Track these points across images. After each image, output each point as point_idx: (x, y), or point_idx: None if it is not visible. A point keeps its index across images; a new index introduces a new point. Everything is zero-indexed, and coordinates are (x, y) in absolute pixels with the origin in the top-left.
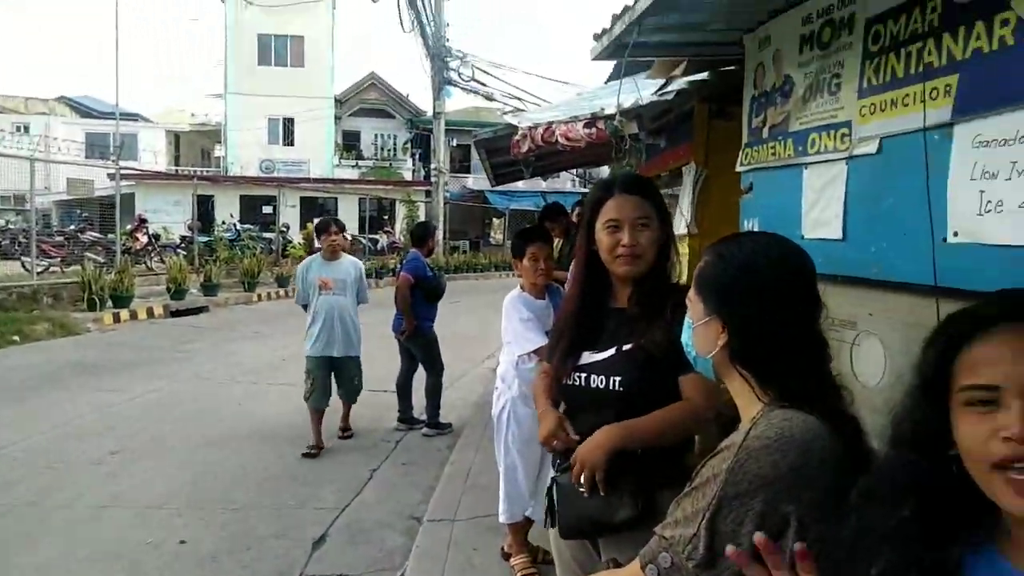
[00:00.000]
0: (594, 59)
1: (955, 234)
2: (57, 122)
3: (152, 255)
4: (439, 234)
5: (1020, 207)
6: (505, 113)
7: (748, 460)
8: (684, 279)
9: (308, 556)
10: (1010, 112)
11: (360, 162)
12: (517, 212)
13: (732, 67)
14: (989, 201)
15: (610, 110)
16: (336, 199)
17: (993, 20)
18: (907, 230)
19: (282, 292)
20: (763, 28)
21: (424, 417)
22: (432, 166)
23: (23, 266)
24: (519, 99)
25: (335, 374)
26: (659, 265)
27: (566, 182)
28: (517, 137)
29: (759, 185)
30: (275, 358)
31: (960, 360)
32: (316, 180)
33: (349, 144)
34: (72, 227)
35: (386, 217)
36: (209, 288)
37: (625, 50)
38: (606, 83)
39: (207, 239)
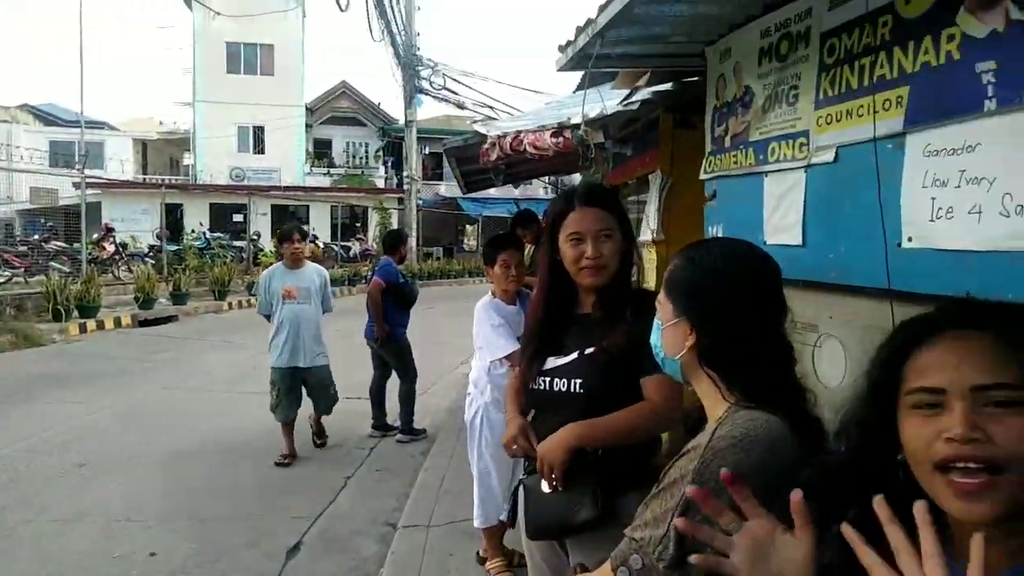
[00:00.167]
0: (559, 70)
1: (909, 239)
2: (20, 130)
3: (119, 264)
4: (412, 241)
5: (969, 213)
6: (475, 122)
7: (714, 460)
8: (652, 285)
9: (282, 566)
10: (958, 123)
11: (332, 170)
12: (490, 219)
13: (695, 78)
14: (940, 208)
15: (576, 120)
16: (308, 207)
17: (940, 35)
18: (864, 236)
19: (253, 300)
20: (723, 41)
21: (398, 424)
22: (404, 173)
23: None
24: (491, 107)
25: (307, 387)
26: (622, 273)
27: (538, 189)
28: (486, 146)
29: (722, 192)
30: (247, 367)
31: (909, 365)
32: (287, 188)
33: (320, 152)
34: (36, 237)
35: (358, 224)
36: (178, 297)
37: (589, 61)
38: (574, 93)
39: (176, 248)
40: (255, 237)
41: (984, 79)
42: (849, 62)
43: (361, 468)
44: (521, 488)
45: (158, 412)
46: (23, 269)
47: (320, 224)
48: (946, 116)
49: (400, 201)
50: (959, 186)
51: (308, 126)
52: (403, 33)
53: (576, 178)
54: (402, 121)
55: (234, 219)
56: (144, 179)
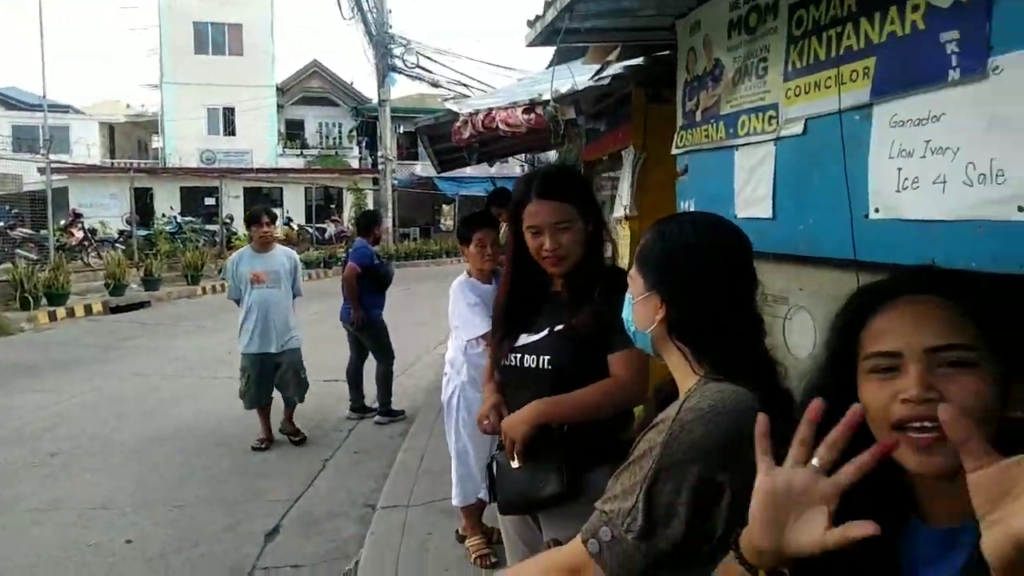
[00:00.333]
0: (528, 45)
1: (876, 210)
2: None
3: (89, 250)
4: (388, 222)
5: (934, 183)
6: (447, 100)
7: (682, 432)
8: (626, 261)
9: (260, 549)
10: (923, 93)
11: (305, 151)
12: (467, 198)
13: (666, 52)
14: (906, 178)
15: (548, 96)
16: (281, 189)
17: (906, 5)
18: (832, 208)
19: (226, 285)
20: (693, 14)
21: (376, 406)
22: (379, 153)
23: None
24: (465, 85)
25: (278, 372)
26: (587, 258)
27: (514, 167)
28: (458, 124)
29: (694, 167)
30: (221, 352)
31: (865, 331)
32: (260, 170)
33: (293, 133)
34: (1, 224)
35: (333, 206)
36: (150, 283)
37: (558, 36)
38: (547, 69)
39: (147, 233)
40: (228, 220)
41: (948, 49)
42: (817, 33)
43: (339, 451)
44: (493, 463)
45: (131, 399)
46: None
47: (294, 206)
48: (912, 86)
49: (375, 182)
50: (924, 156)
51: (280, 107)
52: (374, 11)
53: (552, 156)
54: (375, 100)
55: (206, 202)
56: (112, 163)
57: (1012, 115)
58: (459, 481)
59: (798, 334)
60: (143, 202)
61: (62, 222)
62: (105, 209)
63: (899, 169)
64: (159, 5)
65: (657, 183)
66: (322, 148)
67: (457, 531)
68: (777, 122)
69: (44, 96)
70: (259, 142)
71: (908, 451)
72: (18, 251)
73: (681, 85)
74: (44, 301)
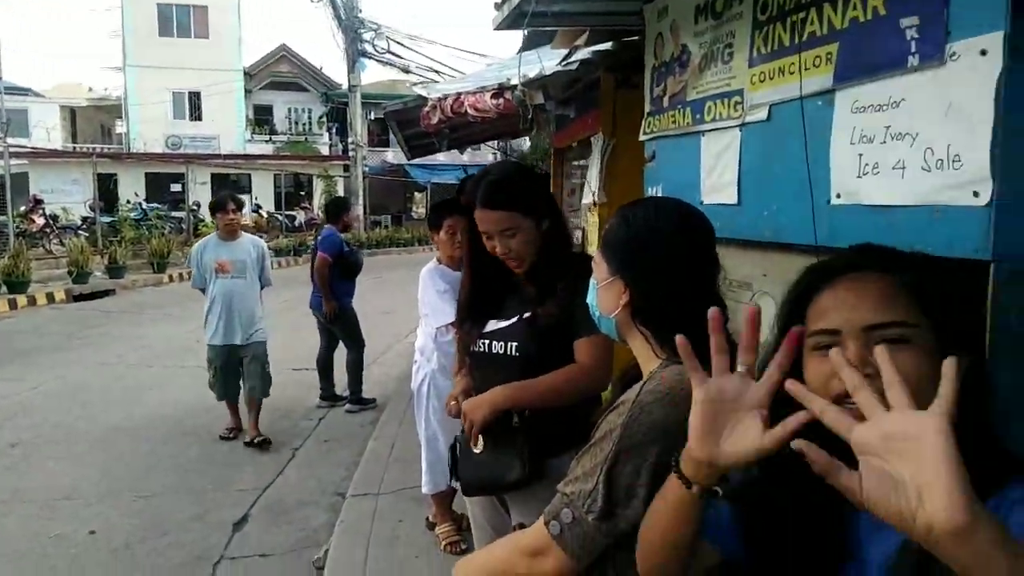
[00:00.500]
0: (495, 29)
1: (838, 196)
2: None
3: (51, 237)
4: (359, 209)
5: (894, 169)
6: (415, 85)
7: (642, 413)
8: (594, 248)
9: (228, 539)
10: (884, 79)
11: (274, 137)
12: (439, 186)
13: (635, 37)
14: (867, 164)
15: (517, 80)
16: (249, 175)
17: None
18: (796, 193)
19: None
20: None
21: (347, 394)
22: (349, 140)
23: None
24: (437, 72)
25: (242, 364)
26: (544, 255)
27: (487, 155)
28: (427, 108)
29: (661, 153)
30: (189, 340)
31: (810, 309)
32: (227, 156)
33: (261, 118)
34: None
35: (303, 193)
36: (115, 270)
37: (525, 19)
38: (517, 54)
39: (111, 219)
40: (195, 207)
41: (908, 35)
42: (781, 19)
43: (309, 439)
44: (456, 444)
45: (96, 388)
46: None
47: (263, 193)
48: (873, 72)
49: (346, 168)
50: (885, 142)
51: (247, 91)
52: None
53: (525, 142)
54: (346, 86)
55: (172, 189)
56: (74, 148)
57: (967, 101)
58: (429, 468)
59: (762, 319)
60: (107, 188)
61: (22, 208)
62: (67, 195)
63: (860, 155)
64: None
65: (626, 169)
66: (291, 134)
67: (427, 518)
68: (742, 108)
69: (0, 78)
70: (226, 127)
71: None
72: None
73: (649, 71)
74: (4, 289)
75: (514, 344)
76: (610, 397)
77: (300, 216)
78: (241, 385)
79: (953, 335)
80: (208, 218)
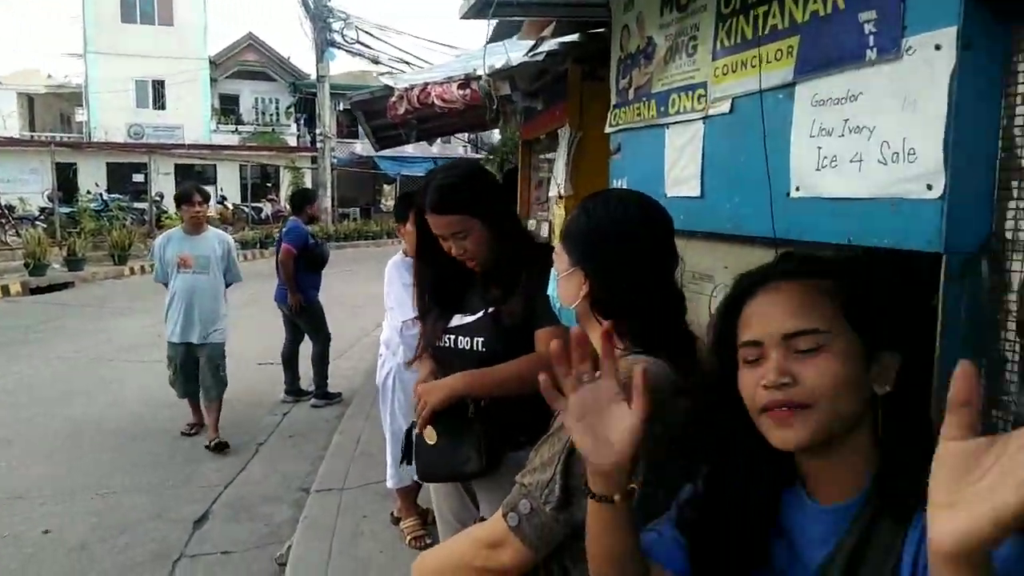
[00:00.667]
0: (462, 17)
1: (797, 189)
2: None
3: (6, 228)
4: (327, 201)
5: (851, 162)
6: (381, 75)
7: None
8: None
9: (188, 536)
10: (842, 72)
11: (240, 127)
12: (409, 178)
13: (602, 29)
14: (825, 157)
15: (483, 71)
16: (215, 166)
17: None
18: (757, 186)
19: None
20: None
21: (312, 388)
22: (317, 131)
23: None
24: (407, 63)
25: (199, 364)
26: (498, 255)
27: (458, 147)
28: (393, 99)
29: (626, 146)
30: (150, 334)
31: (740, 318)
32: (192, 146)
33: (227, 108)
34: None
35: (270, 185)
36: (74, 263)
37: (491, 8)
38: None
39: (70, 210)
40: (158, 198)
41: (866, 29)
42: (744, 12)
43: (273, 435)
44: (413, 429)
45: (52, 383)
46: None
47: (229, 184)
48: (832, 66)
49: (314, 160)
50: (843, 135)
51: (213, 80)
52: None
53: (496, 135)
54: (314, 76)
55: (134, 179)
56: (32, 136)
57: (922, 95)
58: (394, 463)
59: None
60: (66, 178)
61: None
62: (24, 184)
63: (819, 148)
64: None
65: (593, 162)
66: (258, 124)
67: (392, 513)
68: (706, 101)
69: None
70: (191, 117)
71: (770, 428)
72: None
73: (615, 63)
74: None
75: (480, 339)
76: None
77: (267, 208)
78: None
79: (881, 334)
80: (172, 210)
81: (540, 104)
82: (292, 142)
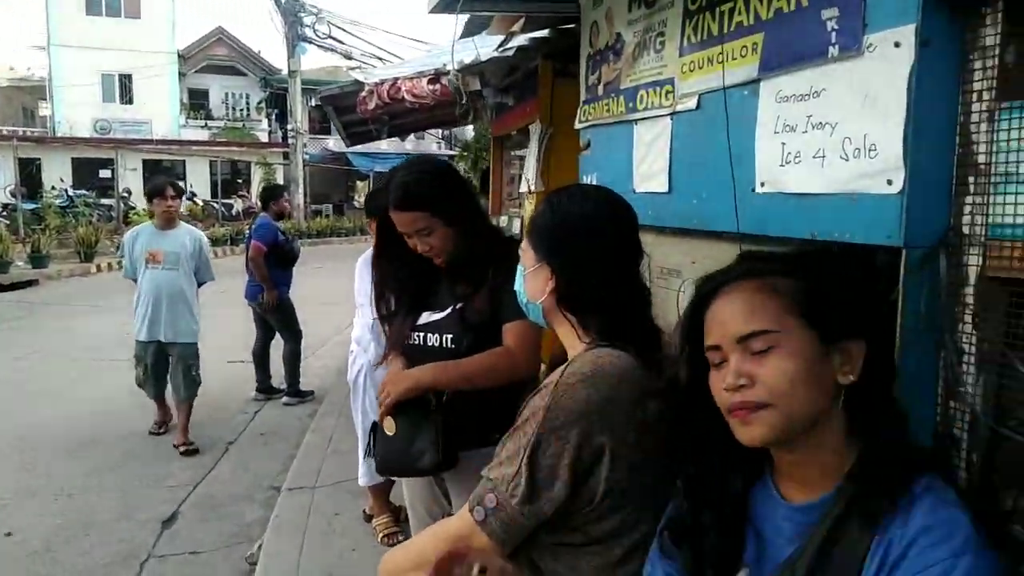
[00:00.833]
0: (431, 11)
1: (762, 184)
2: None
3: None
4: (298, 198)
5: (814, 158)
6: (351, 69)
7: (563, 396)
8: None
9: (157, 537)
10: (806, 69)
11: (210, 122)
12: (382, 174)
13: (572, 25)
14: (789, 152)
15: (452, 66)
16: (184, 162)
17: None
18: (723, 182)
19: (124, 262)
20: None
21: (284, 386)
22: (289, 127)
23: None
24: (380, 59)
25: (169, 363)
26: (464, 250)
27: (431, 144)
28: (364, 93)
29: (596, 142)
30: (119, 332)
31: (705, 323)
32: (160, 141)
33: (196, 103)
34: None
35: (240, 181)
36: (38, 260)
37: (459, 2)
38: (459, 40)
39: (34, 206)
40: (125, 194)
41: (828, 26)
42: (711, 8)
43: (244, 433)
44: (378, 425)
45: (17, 384)
46: None
47: (198, 180)
48: (796, 62)
49: (285, 156)
50: (806, 131)
51: (181, 75)
52: None
53: (469, 131)
54: (285, 71)
55: (101, 175)
56: None
57: (882, 92)
58: (365, 460)
59: None
60: (29, 173)
61: None
62: None
63: (783, 144)
64: None
65: (564, 158)
66: (228, 120)
67: (364, 511)
68: (673, 97)
69: None
70: (159, 112)
71: (736, 427)
72: None
73: (584, 59)
74: None
75: (449, 336)
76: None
77: (237, 204)
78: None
79: (838, 325)
80: (140, 205)
81: (511, 100)
82: (263, 138)
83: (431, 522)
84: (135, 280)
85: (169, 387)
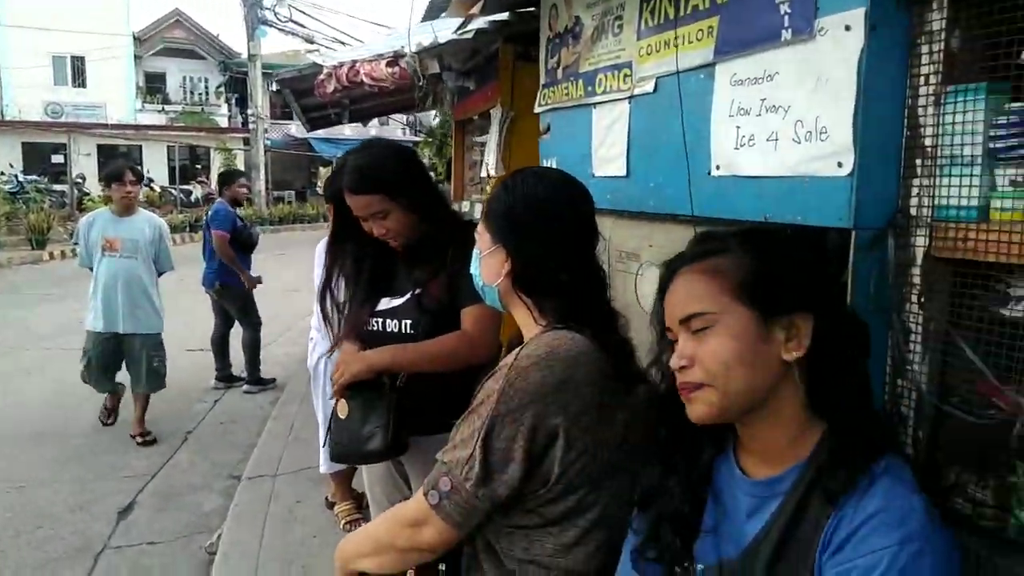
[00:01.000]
0: None
1: (717, 167)
2: None
3: None
4: (260, 184)
5: (767, 141)
6: (309, 52)
7: (518, 378)
8: None
9: (113, 528)
10: (759, 52)
11: (167, 107)
12: None
13: (532, 8)
14: (744, 136)
15: (412, 48)
16: (141, 147)
17: None
18: (679, 165)
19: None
20: None
21: (244, 374)
22: (250, 112)
23: None
24: (342, 43)
25: (127, 357)
26: (422, 232)
27: (396, 129)
28: (322, 76)
29: (555, 125)
30: (71, 320)
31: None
32: (115, 126)
33: (153, 87)
34: None
35: (199, 167)
36: None
37: None
38: (421, 23)
39: None
40: (79, 180)
41: (782, 10)
42: None
43: (204, 422)
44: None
45: None
46: None
47: (156, 166)
48: (750, 46)
49: (246, 141)
50: (760, 114)
51: (137, 57)
52: None
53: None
54: (245, 55)
55: (53, 160)
56: None
57: (833, 75)
58: (326, 447)
59: (649, 288)
60: None
61: None
62: None
63: (738, 127)
64: None
65: (525, 142)
66: (187, 104)
67: (326, 498)
68: (631, 80)
69: None
70: (114, 95)
71: (688, 406)
72: None
73: (544, 42)
74: None
75: (408, 322)
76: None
77: (197, 191)
78: (115, 378)
79: (779, 302)
80: (94, 191)
81: (472, 84)
82: (223, 123)
83: (390, 507)
84: (91, 269)
85: (128, 379)
